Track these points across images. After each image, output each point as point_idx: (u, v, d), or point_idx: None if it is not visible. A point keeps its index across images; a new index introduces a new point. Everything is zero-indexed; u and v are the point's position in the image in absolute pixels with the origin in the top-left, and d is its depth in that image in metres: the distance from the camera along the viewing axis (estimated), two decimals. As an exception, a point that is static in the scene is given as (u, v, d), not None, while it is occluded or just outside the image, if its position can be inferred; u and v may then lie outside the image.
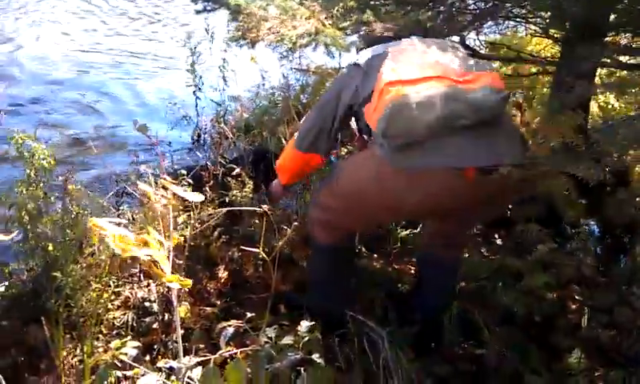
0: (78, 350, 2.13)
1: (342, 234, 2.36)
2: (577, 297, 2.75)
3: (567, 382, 2.15)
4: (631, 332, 2.41)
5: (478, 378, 2.24)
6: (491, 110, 1.97)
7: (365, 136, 2.39)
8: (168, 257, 1.25)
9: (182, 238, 2.38)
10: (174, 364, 1.41)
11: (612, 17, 3.30)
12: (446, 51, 2.19)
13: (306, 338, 1.58)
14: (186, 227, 2.52)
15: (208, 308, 2.47)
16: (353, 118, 2.41)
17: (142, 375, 1.44)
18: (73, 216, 2.35)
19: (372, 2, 3.54)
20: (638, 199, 3.18)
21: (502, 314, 2.48)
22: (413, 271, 2.93)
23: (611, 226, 3.42)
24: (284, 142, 3.54)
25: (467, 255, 3.00)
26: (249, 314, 1.82)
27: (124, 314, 2.38)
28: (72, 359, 2.12)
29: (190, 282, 1.25)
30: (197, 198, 1.46)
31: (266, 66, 4.45)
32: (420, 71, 2.00)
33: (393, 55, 2.12)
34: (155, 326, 2.37)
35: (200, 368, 1.39)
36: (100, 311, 2.15)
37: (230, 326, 1.50)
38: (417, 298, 2.57)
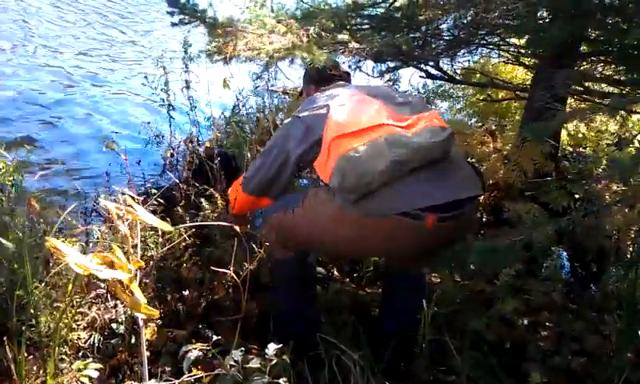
0: (42, 371, 2.07)
1: (298, 248, 2.39)
2: (547, 323, 2.75)
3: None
4: (601, 359, 2.42)
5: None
6: (438, 150, 2.07)
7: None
8: (135, 278, 1.22)
9: (148, 260, 2.35)
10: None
11: (582, 47, 3.37)
12: (385, 98, 2.28)
13: (274, 362, 1.55)
14: (156, 247, 2.49)
15: (177, 330, 2.43)
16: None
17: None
18: (40, 234, 2.30)
19: (348, 25, 3.56)
20: (607, 227, 3.21)
21: (472, 340, 2.47)
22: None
23: (581, 253, 3.46)
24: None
25: (440, 280, 3.00)
26: (217, 337, 1.79)
27: (90, 335, 2.33)
28: (35, 380, 2.05)
29: (157, 312, 1.22)
30: (165, 226, 1.41)
31: (240, 87, 4.43)
32: (364, 122, 2.08)
33: (334, 109, 2.18)
34: (121, 348, 2.32)
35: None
36: (64, 331, 2.09)
37: (194, 348, 1.47)
38: (386, 320, 2.56)
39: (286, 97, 4.99)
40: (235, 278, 1.97)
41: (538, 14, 3.23)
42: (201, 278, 2.66)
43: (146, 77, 4.05)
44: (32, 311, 2.06)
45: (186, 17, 3.55)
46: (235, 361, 1.50)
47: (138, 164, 4.16)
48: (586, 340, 2.56)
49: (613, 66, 3.24)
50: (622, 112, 3.38)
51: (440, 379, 2.35)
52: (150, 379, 1.47)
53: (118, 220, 1.18)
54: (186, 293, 2.62)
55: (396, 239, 2.07)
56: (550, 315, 2.80)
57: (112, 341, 2.35)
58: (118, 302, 2.47)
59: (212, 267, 2.42)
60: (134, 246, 1.34)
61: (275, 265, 2.56)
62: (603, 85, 3.45)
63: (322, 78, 2.72)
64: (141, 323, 1.33)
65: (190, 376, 1.40)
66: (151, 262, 2.40)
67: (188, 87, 4.04)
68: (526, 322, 2.72)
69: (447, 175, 2.09)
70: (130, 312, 2.38)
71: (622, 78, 3.07)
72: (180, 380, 1.37)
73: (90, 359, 1.87)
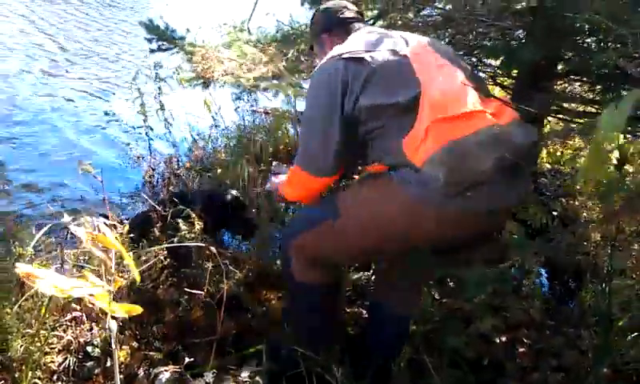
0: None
1: (329, 269, 2.20)
2: (525, 340, 2.76)
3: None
4: (579, 374, 2.43)
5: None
6: (530, 151, 1.87)
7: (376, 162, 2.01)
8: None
9: (125, 282, 2.33)
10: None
11: (560, 66, 3.42)
12: (458, 64, 2.01)
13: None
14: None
15: (152, 352, 2.40)
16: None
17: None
18: (15, 256, 2.28)
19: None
20: (585, 243, 3.24)
21: (451, 358, 2.47)
22: (365, 315, 2.90)
23: (560, 270, 3.48)
24: (242, 182, 3.53)
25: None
26: (192, 359, 1.78)
27: (65, 359, 2.30)
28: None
29: (139, 308, 1.21)
30: (126, 257, 1.38)
31: (219, 107, 4.44)
32: (462, 103, 1.81)
33: (425, 75, 1.88)
34: (97, 370, 2.30)
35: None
36: (37, 355, 2.06)
37: (166, 370, 1.45)
38: (370, 339, 2.54)
39: (268, 117, 5.02)
40: (209, 299, 1.94)
41: (515, 35, 3.27)
42: (177, 299, 2.63)
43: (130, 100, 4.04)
44: (2, 335, 2.03)
45: (165, 43, 3.58)
46: (207, 382, 1.47)
47: (117, 193, 4.14)
48: (564, 356, 2.57)
49: (589, 86, 3.28)
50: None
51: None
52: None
53: (92, 245, 1.17)
54: (163, 314, 2.60)
55: (468, 229, 1.89)
56: (528, 332, 2.81)
57: (87, 364, 2.32)
58: (93, 324, 2.45)
59: (186, 288, 2.40)
60: (109, 270, 1.33)
61: (298, 290, 2.25)
62: (580, 106, 3.49)
63: (335, 22, 2.33)
64: (113, 342, 1.32)
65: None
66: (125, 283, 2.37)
67: (163, 109, 4.02)
68: (504, 339, 2.72)
69: (517, 173, 1.85)
70: (105, 335, 2.37)
71: (597, 98, 3.10)
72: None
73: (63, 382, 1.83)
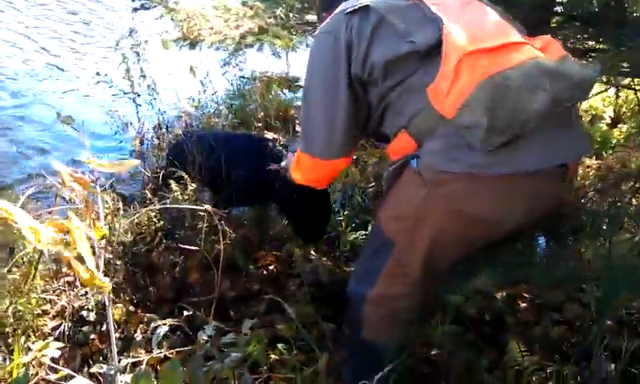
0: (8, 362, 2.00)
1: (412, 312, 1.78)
2: (526, 295, 2.73)
3: (520, 380, 2.11)
4: (581, 328, 2.40)
5: (430, 379, 2.19)
6: (590, 89, 1.56)
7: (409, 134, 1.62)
8: (93, 251, 1.14)
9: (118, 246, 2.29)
10: (105, 367, 1.31)
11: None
12: (487, 4, 1.70)
13: (248, 337, 1.48)
14: (125, 233, 2.42)
15: (149, 314, 2.36)
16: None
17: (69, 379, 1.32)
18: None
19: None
20: (582, 200, 3.20)
21: (453, 315, 2.44)
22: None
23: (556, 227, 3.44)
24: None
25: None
26: (191, 312, 1.72)
27: (60, 324, 2.26)
28: (-1, 373, 1.98)
29: (107, 285, 1.13)
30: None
31: (207, 72, 4.33)
32: (499, 34, 1.51)
33: (440, 7, 1.58)
34: (93, 335, 2.26)
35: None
36: (28, 317, 2.01)
37: (164, 324, 1.38)
38: None
39: (256, 83, 4.92)
40: (206, 255, 1.88)
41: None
42: (172, 261, 2.58)
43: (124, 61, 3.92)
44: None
45: (147, 1, 3.48)
46: (209, 336, 1.41)
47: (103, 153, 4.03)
48: (566, 310, 2.55)
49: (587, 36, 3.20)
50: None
51: (422, 353, 2.30)
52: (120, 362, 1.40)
53: (71, 183, 1.09)
54: (160, 277, 2.56)
55: (539, 200, 1.55)
56: (528, 287, 2.77)
57: (83, 328, 2.27)
58: (87, 289, 2.40)
59: (181, 245, 2.33)
60: (98, 217, 1.27)
61: (366, 351, 1.83)
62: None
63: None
64: (107, 301, 1.26)
65: (160, 352, 1.32)
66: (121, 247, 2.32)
67: (144, 76, 3.90)
68: (504, 294, 2.69)
69: (573, 120, 1.57)
70: (100, 299, 2.32)
71: (601, 47, 3.01)
72: (149, 356, 1.29)
73: (51, 338, 1.77)
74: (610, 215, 2.71)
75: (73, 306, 2.32)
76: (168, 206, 2.32)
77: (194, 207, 2.18)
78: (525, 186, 1.48)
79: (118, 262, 2.33)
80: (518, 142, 1.42)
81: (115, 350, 1.33)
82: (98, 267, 1.16)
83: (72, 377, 1.26)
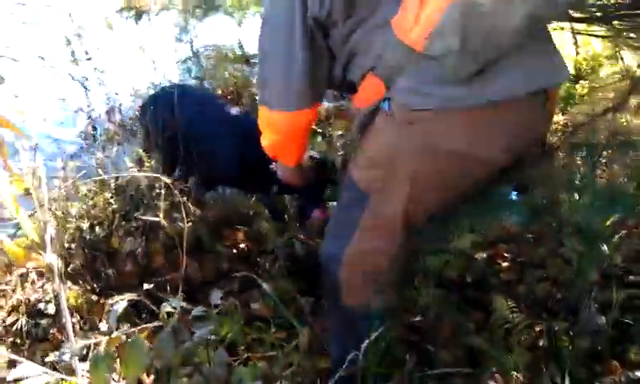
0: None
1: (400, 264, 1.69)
2: (506, 254, 2.65)
3: (508, 339, 2.02)
4: (565, 283, 2.32)
5: (417, 346, 2.08)
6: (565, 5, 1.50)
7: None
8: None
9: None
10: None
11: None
12: None
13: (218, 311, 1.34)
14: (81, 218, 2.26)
15: (112, 301, 2.20)
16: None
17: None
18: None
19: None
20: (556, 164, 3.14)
21: (435, 278, 2.33)
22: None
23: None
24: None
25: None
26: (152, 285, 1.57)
27: (16, 319, 2.10)
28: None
29: (21, 254, 0.99)
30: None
31: (155, 54, 4.12)
32: None
33: None
34: (53, 330, 2.10)
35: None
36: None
37: (122, 299, 1.23)
38: None
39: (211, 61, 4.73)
40: (168, 231, 1.72)
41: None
42: (134, 245, 2.41)
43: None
44: None
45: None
46: (173, 307, 1.24)
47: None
48: (549, 266, 2.46)
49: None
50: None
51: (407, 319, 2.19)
52: (80, 350, 1.25)
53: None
54: (122, 264, 2.39)
55: (522, 131, 1.47)
56: (508, 246, 2.69)
57: (41, 321, 2.13)
58: (44, 281, 2.24)
59: (141, 217, 2.15)
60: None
61: (347, 318, 1.74)
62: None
63: None
64: (56, 279, 1.11)
65: (122, 332, 1.17)
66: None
67: (90, 59, 3.69)
68: (484, 255, 2.60)
69: (550, 43, 1.47)
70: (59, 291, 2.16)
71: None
72: (108, 337, 1.13)
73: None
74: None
75: (29, 300, 2.16)
76: (116, 175, 2.14)
77: (149, 174, 1.98)
78: (502, 117, 1.39)
79: (73, 246, 2.15)
80: (492, 68, 1.32)
81: (72, 333, 1.18)
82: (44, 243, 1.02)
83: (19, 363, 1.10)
